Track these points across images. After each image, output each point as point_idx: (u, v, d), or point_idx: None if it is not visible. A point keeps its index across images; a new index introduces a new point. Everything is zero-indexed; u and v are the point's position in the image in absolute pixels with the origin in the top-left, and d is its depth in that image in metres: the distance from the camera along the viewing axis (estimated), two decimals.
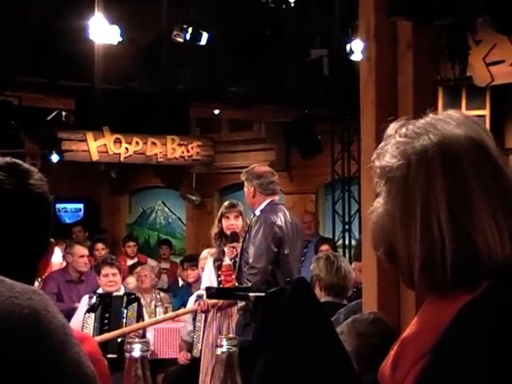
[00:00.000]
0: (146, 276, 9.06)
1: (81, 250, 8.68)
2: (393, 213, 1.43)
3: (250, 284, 6.07)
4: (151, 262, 11.49)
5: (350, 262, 9.51)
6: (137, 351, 1.50)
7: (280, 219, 6.26)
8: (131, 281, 9.11)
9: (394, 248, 1.43)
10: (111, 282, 7.27)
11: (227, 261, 6.51)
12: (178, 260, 11.56)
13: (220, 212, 6.74)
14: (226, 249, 6.58)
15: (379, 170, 1.46)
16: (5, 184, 1.66)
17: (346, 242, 10.89)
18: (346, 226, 10.90)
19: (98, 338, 6.49)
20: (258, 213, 6.34)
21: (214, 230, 6.71)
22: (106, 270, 7.29)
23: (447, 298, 1.38)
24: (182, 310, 7.71)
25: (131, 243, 12.17)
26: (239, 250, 6.40)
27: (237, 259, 6.44)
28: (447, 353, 1.33)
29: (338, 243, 10.81)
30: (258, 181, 6.38)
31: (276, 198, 6.49)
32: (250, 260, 6.14)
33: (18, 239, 1.65)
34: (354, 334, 3.51)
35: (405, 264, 1.42)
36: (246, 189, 6.48)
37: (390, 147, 1.45)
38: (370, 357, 3.30)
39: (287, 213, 6.44)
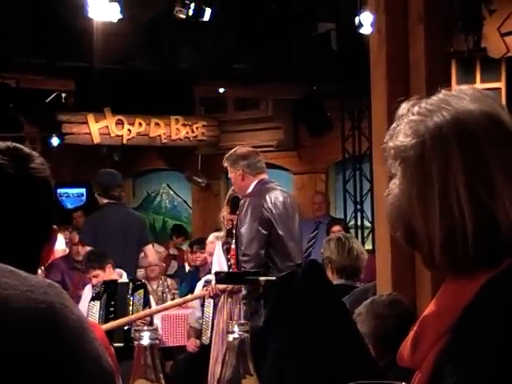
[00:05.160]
0: (157, 265, 9.03)
1: (76, 237, 8.68)
2: (410, 193, 1.42)
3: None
4: (158, 248, 11.37)
5: (363, 243, 9.49)
6: (146, 339, 1.46)
7: (269, 199, 6.05)
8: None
9: (412, 229, 1.43)
10: None
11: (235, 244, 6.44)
12: (185, 245, 11.52)
13: (228, 194, 6.61)
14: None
15: (393, 150, 1.45)
16: (7, 168, 1.68)
17: (359, 223, 10.93)
18: (358, 206, 10.95)
19: (105, 327, 6.42)
20: (245, 196, 6.18)
21: (223, 212, 6.60)
22: None
23: (468, 277, 1.39)
24: (190, 296, 7.67)
25: None
26: (234, 238, 6.28)
27: (233, 230, 6.29)
28: (463, 331, 1.33)
29: (350, 224, 10.90)
30: (246, 161, 6.19)
31: (265, 176, 6.29)
32: (243, 247, 6.04)
33: (21, 225, 1.66)
34: (371, 316, 3.55)
35: (425, 244, 1.42)
36: (232, 174, 6.28)
37: (403, 127, 1.45)
38: (386, 338, 3.37)
39: (279, 191, 6.23)
